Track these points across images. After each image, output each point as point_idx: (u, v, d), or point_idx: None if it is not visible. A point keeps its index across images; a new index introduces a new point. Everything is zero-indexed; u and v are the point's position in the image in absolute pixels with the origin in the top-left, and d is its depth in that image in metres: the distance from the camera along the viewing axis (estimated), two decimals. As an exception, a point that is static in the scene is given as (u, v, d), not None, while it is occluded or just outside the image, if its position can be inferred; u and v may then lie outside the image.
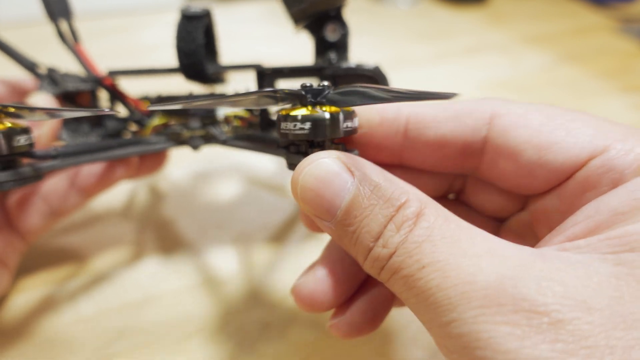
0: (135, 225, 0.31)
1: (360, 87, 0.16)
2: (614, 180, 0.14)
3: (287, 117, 0.17)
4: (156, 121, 0.26)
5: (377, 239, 0.14)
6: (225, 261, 0.29)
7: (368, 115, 0.19)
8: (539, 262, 0.13)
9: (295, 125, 0.16)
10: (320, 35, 0.24)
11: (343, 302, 0.19)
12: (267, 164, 0.37)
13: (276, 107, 0.18)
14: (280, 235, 0.30)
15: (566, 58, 0.59)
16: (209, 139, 0.25)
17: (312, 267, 0.19)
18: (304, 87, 0.17)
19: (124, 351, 0.23)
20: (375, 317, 0.19)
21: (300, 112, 0.16)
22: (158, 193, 0.34)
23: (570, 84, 0.52)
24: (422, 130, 0.18)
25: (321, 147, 0.17)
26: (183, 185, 0.35)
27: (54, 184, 0.25)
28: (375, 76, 0.22)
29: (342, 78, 0.23)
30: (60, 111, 0.19)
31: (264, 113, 0.25)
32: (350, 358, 0.23)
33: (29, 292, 0.26)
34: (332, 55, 0.24)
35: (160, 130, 0.26)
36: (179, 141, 0.25)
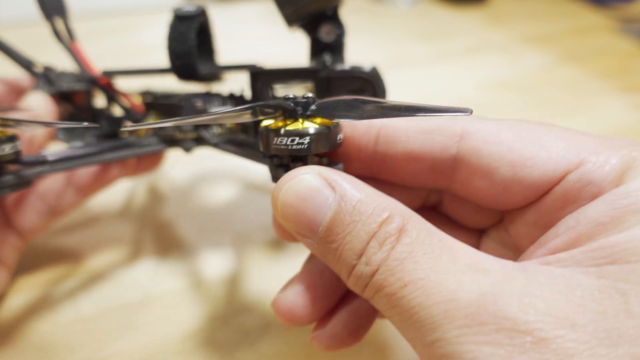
0: (134, 226, 0.31)
1: (344, 100, 0.16)
2: (593, 193, 0.14)
3: (271, 131, 0.16)
4: (150, 121, 0.26)
5: (360, 256, 0.14)
6: (224, 261, 0.29)
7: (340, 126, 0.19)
8: (520, 277, 0.13)
9: (289, 140, 0.16)
10: (315, 36, 0.23)
11: (324, 315, 0.18)
12: (265, 166, 0.37)
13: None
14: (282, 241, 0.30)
15: (566, 58, 0.59)
16: (201, 142, 0.25)
17: (292, 280, 0.19)
18: (289, 99, 0.17)
19: (124, 351, 0.23)
20: (358, 329, 0.18)
21: (285, 126, 0.16)
22: (157, 194, 0.34)
23: (570, 84, 0.52)
24: (391, 144, 0.18)
25: (304, 161, 0.17)
26: (182, 186, 0.35)
27: (51, 183, 0.25)
28: (371, 79, 0.22)
29: (337, 80, 0.22)
30: (46, 123, 0.19)
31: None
32: (351, 358, 0.23)
33: (28, 291, 0.26)
34: (327, 57, 0.23)
35: (156, 130, 0.26)
36: (172, 143, 0.25)
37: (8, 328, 0.24)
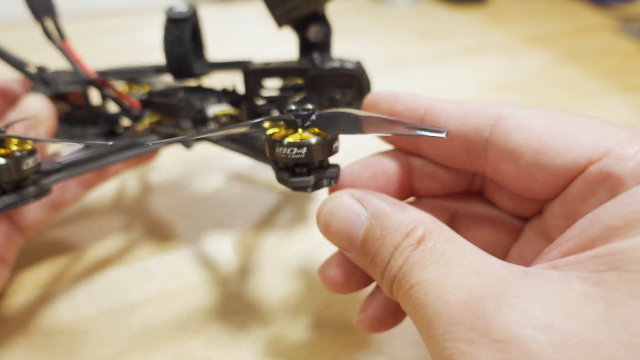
0: (135, 227, 0.31)
1: (341, 114, 0.18)
2: (612, 187, 0.14)
3: (280, 143, 0.18)
4: (148, 119, 0.26)
5: (387, 264, 0.16)
6: (225, 261, 0.29)
7: (392, 103, 0.20)
8: (516, 281, 0.13)
9: (289, 151, 0.18)
10: (303, 35, 0.25)
11: (364, 286, 0.20)
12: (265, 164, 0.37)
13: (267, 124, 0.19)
14: (281, 235, 0.30)
15: (566, 58, 0.59)
16: (201, 138, 0.26)
17: (338, 250, 0.20)
18: (291, 111, 0.18)
19: (124, 351, 0.23)
20: (396, 312, 0.20)
21: (292, 137, 0.18)
22: (158, 193, 0.34)
23: (570, 84, 0.52)
24: (432, 123, 0.19)
25: (306, 166, 0.18)
26: (182, 184, 0.35)
27: None
28: (357, 75, 0.24)
29: (326, 78, 0.24)
30: (64, 142, 0.20)
31: (250, 110, 0.26)
32: (351, 358, 0.23)
33: (28, 291, 0.26)
34: (316, 56, 0.25)
35: (153, 126, 0.26)
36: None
37: (8, 327, 0.24)
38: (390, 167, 0.20)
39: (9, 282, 0.26)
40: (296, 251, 0.29)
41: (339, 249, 0.18)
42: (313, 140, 0.18)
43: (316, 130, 0.18)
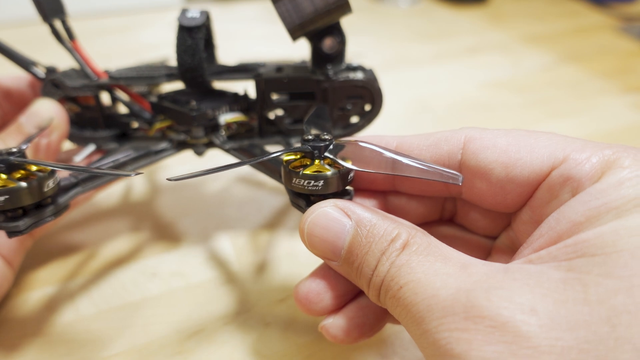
0: (135, 226, 0.31)
1: (361, 147, 0.18)
2: (573, 188, 0.15)
3: (290, 172, 0.18)
4: (159, 124, 0.26)
5: (374, 270, 0.16)
6: (224, 261, 0.29)
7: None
8: (499, 275, 0.14)
9: (305, 182, 0.18)
10: (317, 46, 0.24)
11: (339, 308, 0.20)
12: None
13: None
14: (283, 237, 0.30)
15: (567, 58, 0.59)
16: (212, 146, 0.26)
17: (312, 272, 0.20)
18: (309, 141, 0.18)
19: (124, 351, 0.23)
20: (363, 325, 0.20)
21: (310, 169, 0.18)
22: (159, 192, 0.34)
23: (571, 84, 0.52)
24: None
25: (323, 196, 0.19)
26: (189, 184, 0.35)
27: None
28: (368, 87, 0.24)
29: (337, 90, 0.24)
30: (87, 170, 0.21)
31: (262, 119, 0.26)
32: (351, 358, 0.23)
33: (29, 292, 0.26)
34: (329, 67, 0.24)
35: (164, 131, 0.26)
36: (184, 146, 0.26)
37: (9, 328, 0.24)
38: (373, 205, 0.22)
39: (12, 284, 0.26)
40: (297, 252, 0.29)
41: (323, 258, 0.18)
42: (329, 173, 0.18)
43: (331, 163, 0.18)
